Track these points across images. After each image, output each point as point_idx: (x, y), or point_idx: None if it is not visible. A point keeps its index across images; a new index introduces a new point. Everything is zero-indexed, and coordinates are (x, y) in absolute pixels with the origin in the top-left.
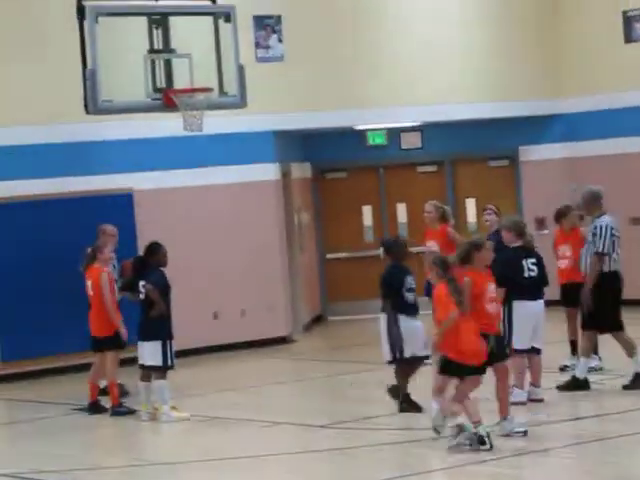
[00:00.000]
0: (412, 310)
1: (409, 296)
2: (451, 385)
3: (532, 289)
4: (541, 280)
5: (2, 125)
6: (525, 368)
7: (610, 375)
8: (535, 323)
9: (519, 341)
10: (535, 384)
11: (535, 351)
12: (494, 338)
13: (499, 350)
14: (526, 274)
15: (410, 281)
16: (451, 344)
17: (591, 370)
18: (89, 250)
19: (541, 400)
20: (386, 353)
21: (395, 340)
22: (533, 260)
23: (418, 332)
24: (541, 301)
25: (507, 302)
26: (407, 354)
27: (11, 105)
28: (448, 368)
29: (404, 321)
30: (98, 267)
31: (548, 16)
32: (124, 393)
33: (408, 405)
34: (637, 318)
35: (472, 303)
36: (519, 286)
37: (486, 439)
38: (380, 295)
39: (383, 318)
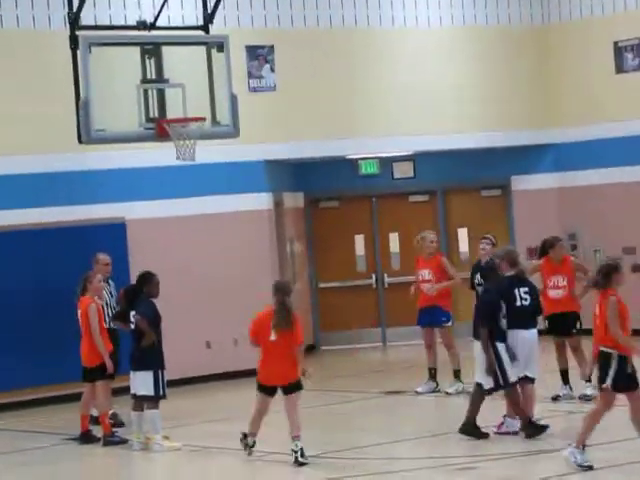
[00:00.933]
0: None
1: (505, 322)
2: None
3: (525, 318)
4: (534, 309)
5: None
6: (518, 397)
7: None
8: (528, 352)
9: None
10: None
11: (529, 380)
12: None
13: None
14: (518, 303)
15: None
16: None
17: (587, 398)
18: (82, 280)
19: None
20: (487, 381)
21: (497, 367)
22: (526, 289)
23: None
24: (534, 330)
25: None
26: (513, 379)
27: (4, 134)
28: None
29: (502, 347)
30: (88, 297)
31: (540, 47)
32: (119, 423)
33: (478, 432)
34: None
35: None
36: (511, 314)
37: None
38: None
39: (477, 345)
